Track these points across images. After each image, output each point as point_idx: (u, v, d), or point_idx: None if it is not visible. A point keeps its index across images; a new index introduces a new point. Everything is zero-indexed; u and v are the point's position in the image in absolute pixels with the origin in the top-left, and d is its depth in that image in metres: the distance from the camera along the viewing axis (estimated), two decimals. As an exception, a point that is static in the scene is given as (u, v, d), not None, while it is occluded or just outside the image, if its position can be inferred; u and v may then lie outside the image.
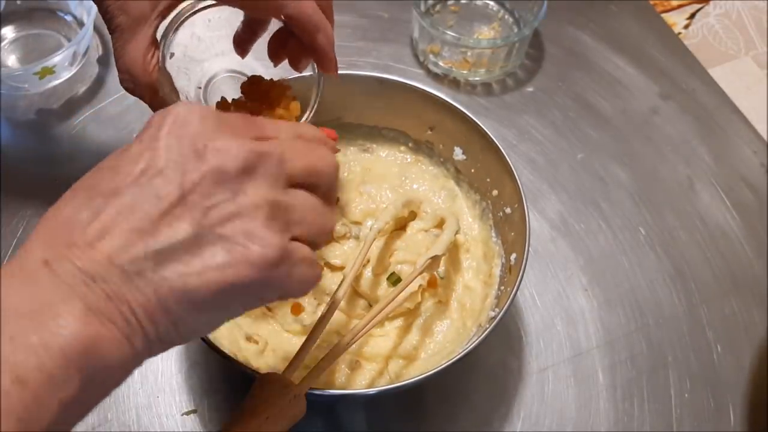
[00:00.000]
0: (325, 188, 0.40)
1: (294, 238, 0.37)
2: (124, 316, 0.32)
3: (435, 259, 0.56)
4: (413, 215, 0.64)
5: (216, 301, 0.34)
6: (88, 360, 0.31)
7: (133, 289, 0.33)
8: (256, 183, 0.35)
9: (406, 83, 0.64)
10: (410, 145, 0.69)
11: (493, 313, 0.57)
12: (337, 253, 0.62)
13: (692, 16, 0.91)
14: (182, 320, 0.34)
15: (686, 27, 0.90)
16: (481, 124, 0.62)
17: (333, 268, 0.62)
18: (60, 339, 0.30)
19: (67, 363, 0.30)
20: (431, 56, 0.82)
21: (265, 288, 0.36)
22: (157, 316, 0.33)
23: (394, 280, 0.60)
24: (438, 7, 0.85)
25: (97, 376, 0.32)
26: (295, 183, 0.38)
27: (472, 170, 0.65)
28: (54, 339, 0.30)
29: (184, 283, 0.33)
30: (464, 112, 0.62)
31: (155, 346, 0.34)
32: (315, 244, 0.39)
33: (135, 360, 0.34)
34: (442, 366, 0.50)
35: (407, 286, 0.55)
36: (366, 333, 0.51)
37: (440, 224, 0.62)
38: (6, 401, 0.28)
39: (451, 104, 0.63)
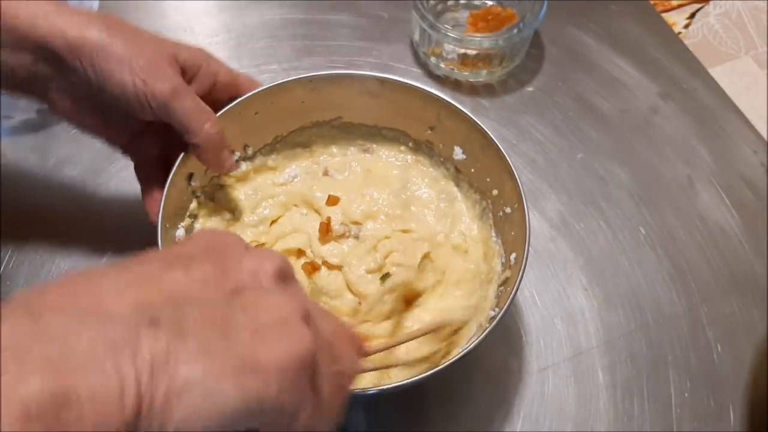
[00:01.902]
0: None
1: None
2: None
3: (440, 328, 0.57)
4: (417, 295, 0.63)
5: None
6: None
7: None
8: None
9: (406, 83, 0.64)
10: (410, 145, 0.68)
11: (493, 313, 0.57)
12: (335, 252, 0.62)
13: (692, 15, 0.91)
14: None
15: (686, 27, 0.90)
16: (481, 124, 0.62)
17: (330, 267, 0.62)
18: None
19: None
20: (432, 58, 0.82)
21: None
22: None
23: (386, 279, 0.60)
24: (439, 8, 0.85)
25: None
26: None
27: (472, 170, 0.65)
28: None
29: None
30: (464, 112, 0.62)
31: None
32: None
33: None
34: (442, 366, 0.50)
35: (408, 340, 0.56)
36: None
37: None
38: None
39: (451, 104, 0.63)
